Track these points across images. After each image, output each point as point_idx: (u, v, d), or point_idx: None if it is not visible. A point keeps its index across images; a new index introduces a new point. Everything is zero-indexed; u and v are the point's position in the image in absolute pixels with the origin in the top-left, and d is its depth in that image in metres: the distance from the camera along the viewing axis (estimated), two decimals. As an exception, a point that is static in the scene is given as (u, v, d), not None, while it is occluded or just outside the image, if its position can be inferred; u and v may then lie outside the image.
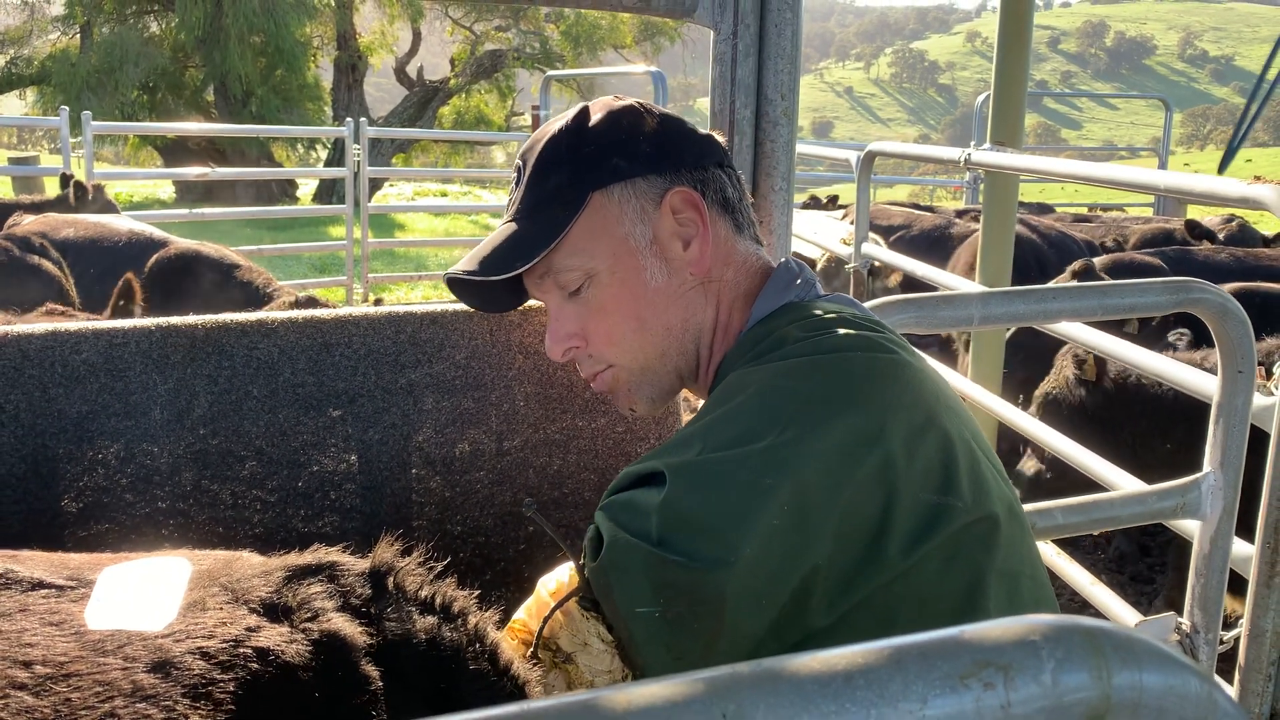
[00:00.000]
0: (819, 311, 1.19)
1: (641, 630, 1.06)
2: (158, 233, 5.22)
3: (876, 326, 1.18)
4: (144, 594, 1.12)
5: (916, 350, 1.19)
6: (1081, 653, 0.59)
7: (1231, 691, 1.97)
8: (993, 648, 0.58)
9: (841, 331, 1.13)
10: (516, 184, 1.30)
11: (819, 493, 1.01)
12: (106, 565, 1.17)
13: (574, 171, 1.24)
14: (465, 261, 1.30)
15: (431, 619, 1.14)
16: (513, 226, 1.28)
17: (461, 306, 1.49)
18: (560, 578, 1.22)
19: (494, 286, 1.30)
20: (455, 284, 1.32)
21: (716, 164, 1.28)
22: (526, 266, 1.23)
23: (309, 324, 1.40)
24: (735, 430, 1.06)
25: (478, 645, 1.12)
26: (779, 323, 1.20)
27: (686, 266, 1.25)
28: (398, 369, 1.45)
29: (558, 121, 1.29)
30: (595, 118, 1.26)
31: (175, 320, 1.36)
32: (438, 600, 1.17)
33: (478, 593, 1.54)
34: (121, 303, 3.52)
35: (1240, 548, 2.05)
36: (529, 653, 1.19)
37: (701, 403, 1.41)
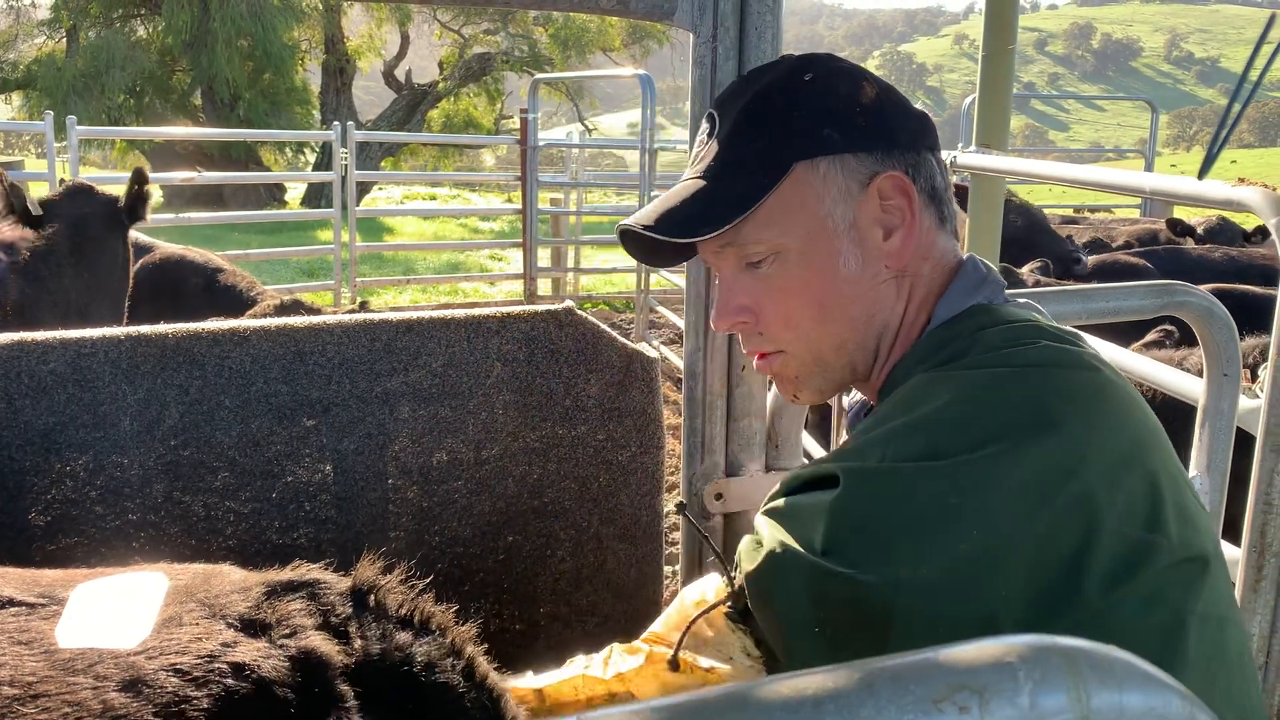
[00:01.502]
0: (1014, 319, 1.10)
1: (799, 645, 1.00)
2: (143, 238, 5.19)
3: (1075, 340, 1.08)
4: (118, 610, 1.10)
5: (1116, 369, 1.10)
6: (1059, 674, 0.57)
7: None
8: (967, 670, 0.56)
9: (1043, 344, 1.04)
10: (709, 135, 1.17)
11: (1012, 520, 0.93)
12: (80, 581, 1.15)
13: (781, 136, 1.12)
14: (645, 214, 1.17)
15: (410, 638, 1.12)
16: (701, 184, 1.15)
17: (438, 314, 1.47)
18: (705, 588, 1.17)
19: (666, 243, 1.18)
20: (625, 233, 1.21)
21: (929, 148, 1.17)
22: (715, 234, 1.11)
23: (282, 332, 1.38)
24: (922, 442, 0.98)
25: (455, 666, 1.10)
26: (967, 326, 1.10)
27: (883, 258, 1.13)
28: (373, 377, 1.42)
29: (765, 74, 1.17)
30: (810, 78, 1.14)
31: (145, 329, 1.34)
32: (417, 619, 1.15)
33: (455, 605, 1.52)
34: (136, 187, 3.94)
35: (1227, 551, 2.04)
36: (668, 660, 1.11)
37: (855, 396, 1.32)
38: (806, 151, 1.11)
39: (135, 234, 5.21)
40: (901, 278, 1.15)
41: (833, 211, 1.11)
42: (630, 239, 1.21)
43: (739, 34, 1.45)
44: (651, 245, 1.19)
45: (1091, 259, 5.07)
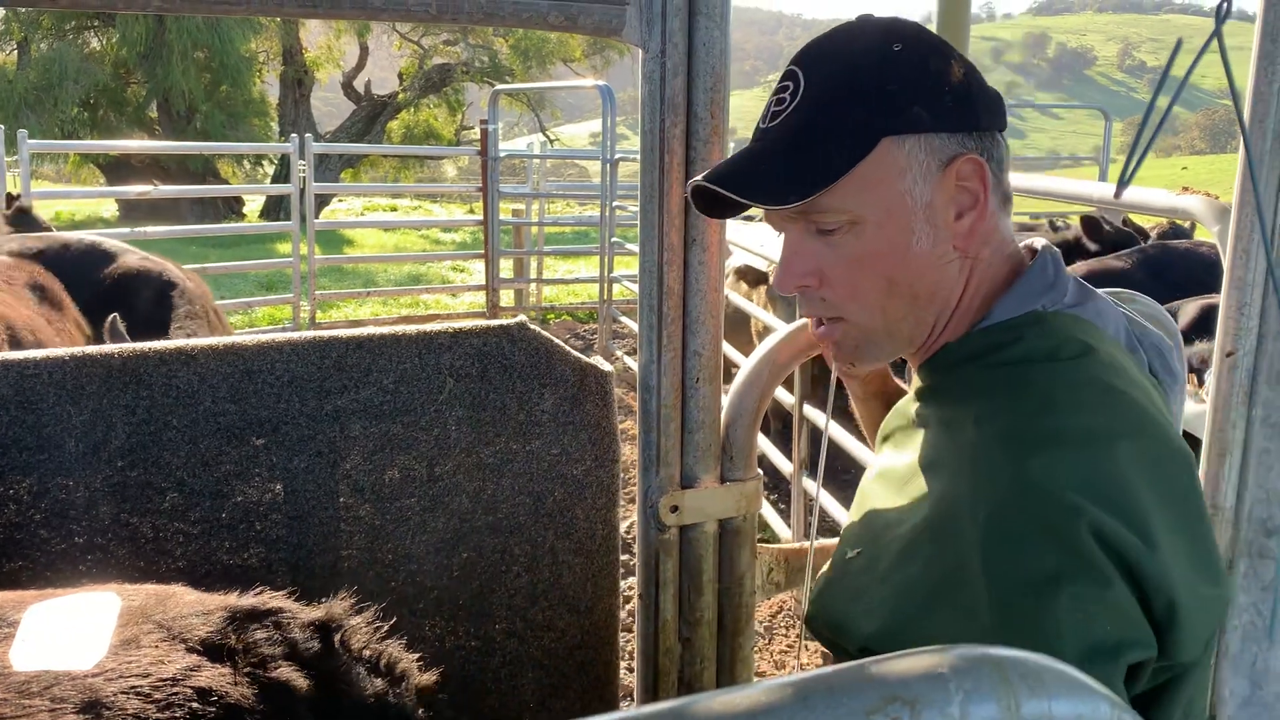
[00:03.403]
0: (1068, 338, 1.12)
1: None
2: (109, 243, 4.99)
3: (1121, 377, 1.10)
4: (71, 631, 1.08)
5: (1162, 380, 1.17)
6: (990, 683, 0.58)
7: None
8: (899, 681, 0.57)
9: (1088, 381, 1.08)
10: (790, 95, 1.15)
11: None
12: (31, 603, 1.13)
13: (871, 109, 1.11)
14: (724, 172, 1.16)
15: (379, 683, 1.12)
16: (784, 145, 1.14)
17: (389, 330, 1.46)
18: None
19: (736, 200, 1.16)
20: (697, 188, 1.19)
21: (1000, 129, 1.18)
22: (799, 204, 1.10)
23: (230, 351, 1.37)
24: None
25: (421, 715, 1.10)
26: (1022, 334, 1.13)
27: (952, 238, 1.15)
28: (323, 395, 1.42)
29: (855, 39, 1.15)
30: (902, 49, 1.13)
31: (90, 349, 1.32)
32: (384, 663, 1.14)
33: (410, 623, 1.51)
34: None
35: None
36: None
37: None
38: (895, 127, 1.11)
39: (96, 238, 5.10)
40: (964, 260, 1.17)
41: (912, 189, 1.13)
42: (701, 192, 1.19)
43: (688, 49, 1.46)
44: (719, 199, 1.18)
45: (1082, 266, 5.10)
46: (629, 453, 5.69)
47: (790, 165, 1.12)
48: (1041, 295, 1.17)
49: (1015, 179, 2.70)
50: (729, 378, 1.75)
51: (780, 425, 5.42)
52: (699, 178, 1.17)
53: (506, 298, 10.38)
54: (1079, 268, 5.05)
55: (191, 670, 1.01)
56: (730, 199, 1.14)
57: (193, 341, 1.36)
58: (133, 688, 0.99)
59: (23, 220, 5.70)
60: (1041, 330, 1.13)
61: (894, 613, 1.02)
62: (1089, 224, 5.76)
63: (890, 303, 1.16)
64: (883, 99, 1.11)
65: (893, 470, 1.16)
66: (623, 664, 3.30)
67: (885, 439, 1.26)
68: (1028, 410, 1.06)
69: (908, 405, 1.22)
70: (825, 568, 1.20)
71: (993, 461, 1.03)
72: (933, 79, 1.12)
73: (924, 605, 1.01)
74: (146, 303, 4.34)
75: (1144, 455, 1.03)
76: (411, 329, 1.47)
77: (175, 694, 1.00)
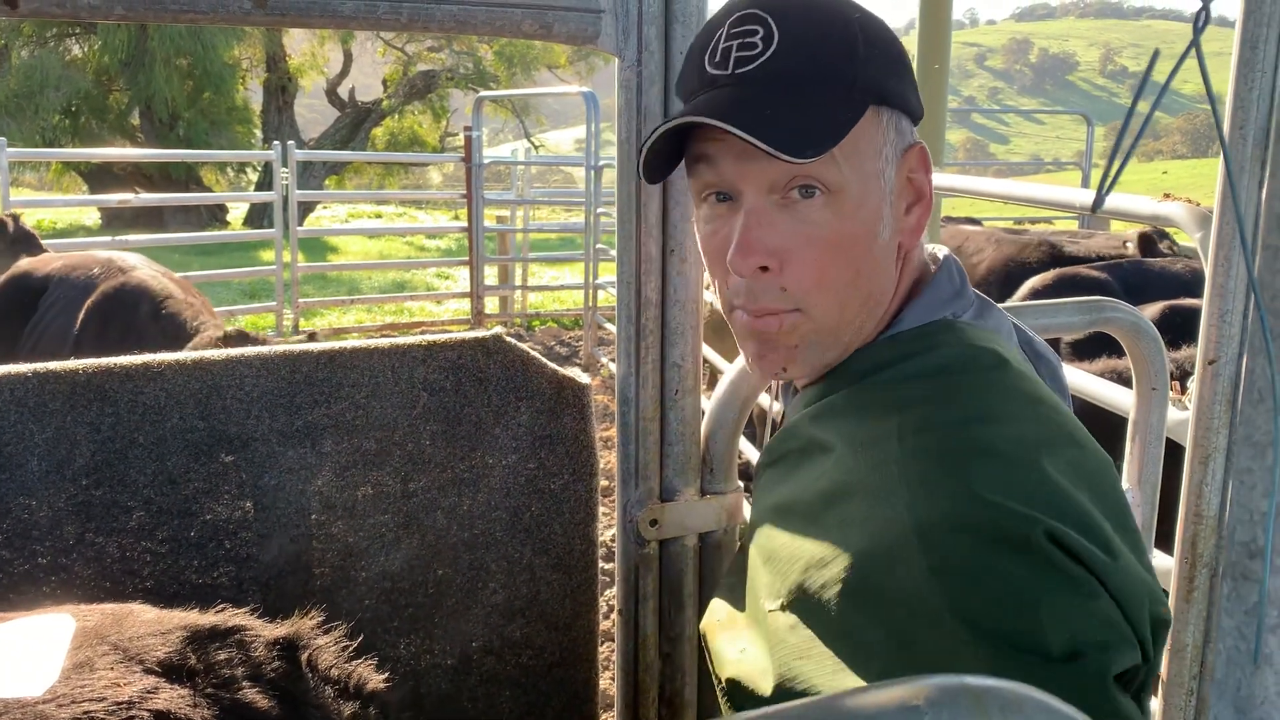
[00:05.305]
0: (974, 345, 1.02)
1: None
2: (128, 258, 5.03)
3: (1039, 388, 1.01)
4: (21, 656, 1.05)
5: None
6: (967, 715, 0.56)
7: (1155, 706, 1.97)
8: (871, 715, 0.55)
9: (998, 396, 0.97)
10: (764, 41, 0.98)
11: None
12: (-22, 626, 1.10)
13: (865, 72, 0.98)
14: (722, 109, 0.96)
15: (347, 705, 1.09)
16: (778, 96, 0.97)
17: (361, 343, 1.44)
18: None
19: (672, 151, 1.02)
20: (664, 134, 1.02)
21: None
22: (816, 157, 0.94)
23: (197, 366, 1.34)
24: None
25: None
26: (931, 342, 1.03)
27: (900, 233, 1.04)
28: (293, 410, 1.39)
29: (833, 4, 1.00)
30: (861, 16, 1.00)
31: (52, 365, 1.29)
32: (352, 685, 1.12)
33: (385, 641, 1.49)
34: None
35: (1162, 560, 2.06)
36: None
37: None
38: (880, 96, 0.99)
39: (110, 255, 5.08)
40: (899, 258, 1.07)
41: (884, 169, 1.01)
42: (663, 139, 1.01)
43: (664, 58, 1.44)
44: (675, 153, 1.03)
45: (1052, 272, 5.12)
46: (614, 461, 5.67)
47: (796, 115, 0.96)
48: (949, 304, 1.08)
49: (1000, 184, 2.69)
50: (714, 382, 1.73)
51: (771, 433, 5.41)
52: (675, 119, 0.99)
53: (491, 305, 10.34)
54: (1048, 276, 5.07)
55: (149, 693, 0.98)
56: (703, 150, 1.00)
57: (159, 356, 1.33)
58: (86, 713, 0.96)
59: (21, 236, 5.70)
60: (955, 339, 1.03)
61: (864, 670, 0.86)
62: (1144, 240, 5.93)
63: (850, 298, 1.03)
64: (864, 62, 0.99)
65: (796, 502, 1.02)
66: (605, 674, 3.28)
67: (769, 465, 1.13)
68: (955, 421, 0.94)
69: (800, 427, 1.08)
70: (725, 621, 1.06)
71: (927, 478, 0.90)
72: (897, 51, 1.03)
73: (895, 659, 0.86)
74: (145, 317, 4.34)
75: (1079, 465, 0.93)
76: (384, 342, 1.45)
77: (131, 718, 0.97)
